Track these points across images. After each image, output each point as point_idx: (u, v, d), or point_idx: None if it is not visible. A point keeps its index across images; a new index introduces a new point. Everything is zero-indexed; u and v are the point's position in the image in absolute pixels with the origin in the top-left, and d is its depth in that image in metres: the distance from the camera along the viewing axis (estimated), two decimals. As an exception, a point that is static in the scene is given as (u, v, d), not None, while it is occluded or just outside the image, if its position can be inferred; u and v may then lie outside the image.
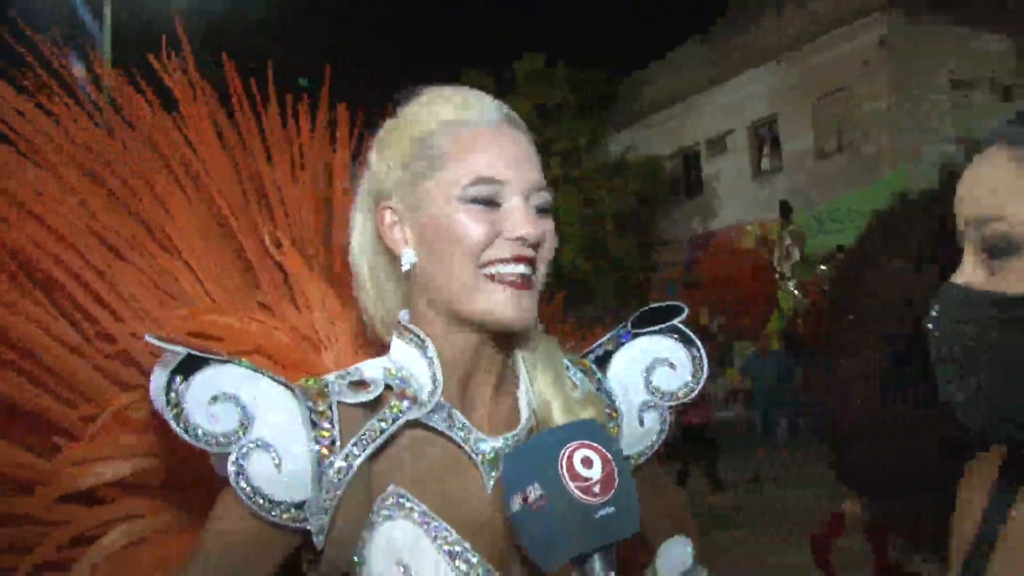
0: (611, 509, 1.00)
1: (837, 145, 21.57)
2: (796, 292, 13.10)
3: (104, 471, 1.34)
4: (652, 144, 25.23)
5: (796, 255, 13.29)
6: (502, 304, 1.17)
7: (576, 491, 1.00)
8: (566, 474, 1.00)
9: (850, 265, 3.81)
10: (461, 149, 1.19)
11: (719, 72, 23.68)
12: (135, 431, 1.36)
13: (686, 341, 1.42)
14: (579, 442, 1.04)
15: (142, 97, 1.63)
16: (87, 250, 1.44)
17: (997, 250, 0.87)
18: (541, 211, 1.21)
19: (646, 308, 1.44)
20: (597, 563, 1.01)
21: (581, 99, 24.84)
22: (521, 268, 1.18)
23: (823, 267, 12.24)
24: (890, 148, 19.81)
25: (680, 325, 1.42)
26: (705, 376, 1.41)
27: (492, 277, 1.17)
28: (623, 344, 1.42)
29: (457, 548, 1.16)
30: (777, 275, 14.20)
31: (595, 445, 1.04)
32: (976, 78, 20.96)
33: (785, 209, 15.12)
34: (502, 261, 1.17)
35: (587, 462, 1.02)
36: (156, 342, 1.08)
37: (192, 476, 1.35)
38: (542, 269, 1.22)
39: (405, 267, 1.22)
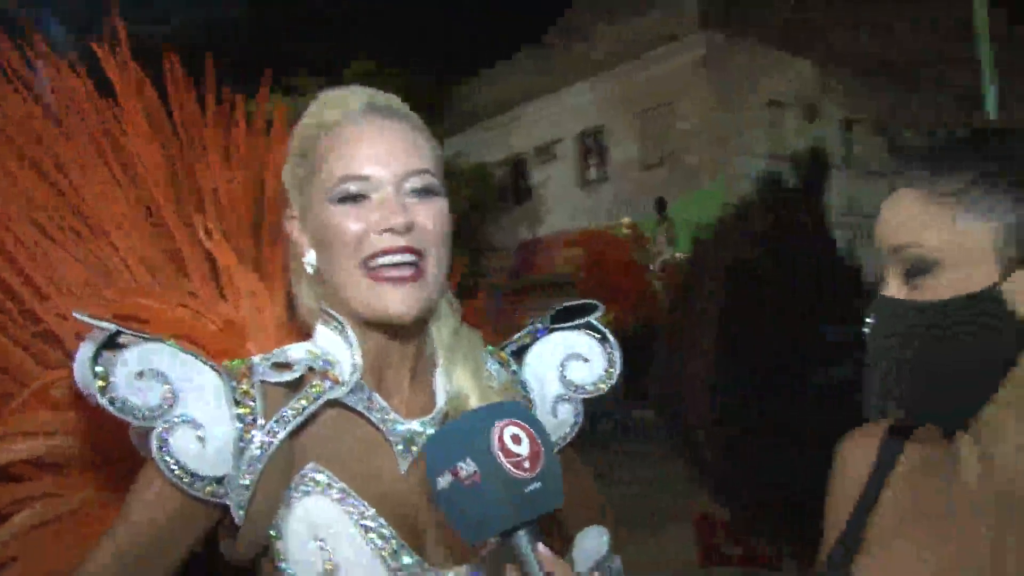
0: (539, 484, 1.04)
1: (660, 157, 22.39)
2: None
3: (20, 448, 1.34)
4: (482, 151, 25.47)
5: (668, 252, 13.63)
6: (386, 301, 1.19)
7: (509, 466, 1.02)
8: (498, 450, 1.03)
9: (690, 272, 4.00)
10: (331, 148, 1.22)
11: (549, 82, 24.15)
12: (54, 409, 1.37)
13: (601, 337, 1.46)
14: (508, 420, 1.07)
15: (80, 82, 1.61)
16: (16, 229, 1.45)
17: (914, 270, 1.00)
18: (422, 194, 1.22)
19: (563, 305, 1.48)
20: (523, 537, 1.04)
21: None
22: (399, 258, 1.19)
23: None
24: (709, 161, 20.74)
25: (595, 322, 1.47)
26: (619, 371, 1.45)
27: (376, 275, 1.19)
28: (539, 338, 1.46)
29: (372, 523, 1.19)
30: (651, 271, 14.52)
31: (522, 423, 1.07)
32: (787, 98, 22.29)
33: (661, 205, 15.53)
34: (381, 254, 1.18)
35: (516, 439, 1.05)
36: (85, 318, 1.10)
37: (111, 455, 1.37)
38: (434, 252, 1.23)
39: (309, 270, 1.27)
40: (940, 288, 0.98)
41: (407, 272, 1.19)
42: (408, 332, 1.26)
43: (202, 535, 1.17)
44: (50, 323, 1.42)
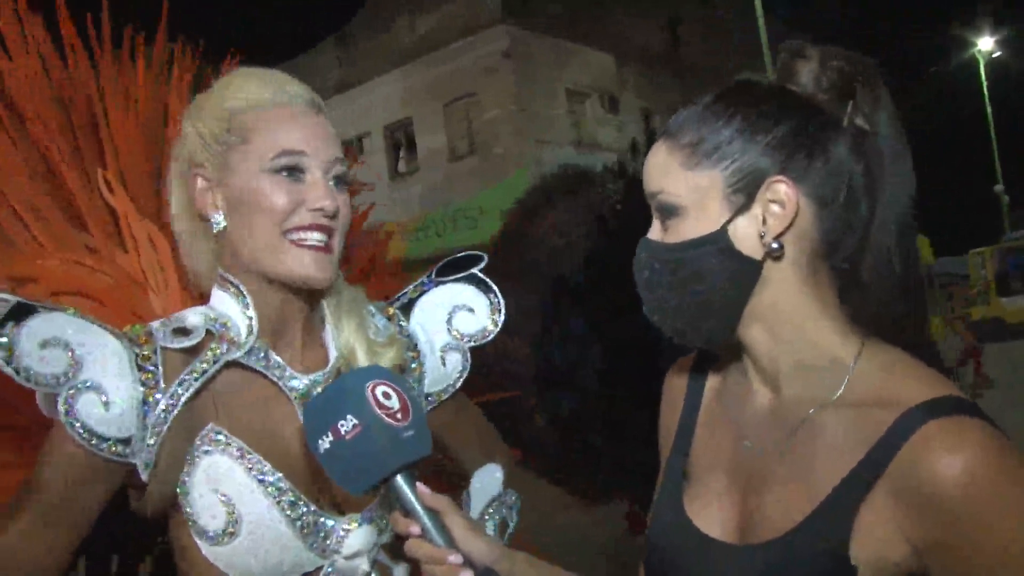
0: (412, 432, 1.14)
1: (469, 147, 22.61)
2: None
3: None
4: (289, 145, 24.90)
5: None
6: (306, 265, 1.27)
7: (385, 417, 1.12)
8: (374, 404, 1.13)
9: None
10: (267, 125, 1.28)
11: (353, 74, 23.90)
12: None
13: (484, 288, 1.55)
14: (376, 380, 1.17)
15: None
16: None
17: (665, 213, 1.11)
18: (340, 182, 1.33)
19: (448, 258, 1.57)
20: (403, 480, 1.14)
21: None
22: (318, 236, 1.28)
23: None
24: (515, 151, 21.10)
25: (479, 273, 1.56)
26: (502, 319, 1.54)
27: (295, 242, 1.27)
28: (426, 291, 1.55)
29: (270, 477, 1.27)
30: None
31: (388, 382, 1.18)
32: (587, 89, 22.98)
33: None
34: (303, 228, 1.27)
35: (386, 395, 1.15)
36: None
37: (9, 422, 1.42)
38: (339, 235, 1.32)
39: (215, 230, 1.31)
40: (684, 230, 1.09)
41: (320, 246, 1.28)
42: (307, 294, 1.34)
43: (109, 494, 1.22)
44: None
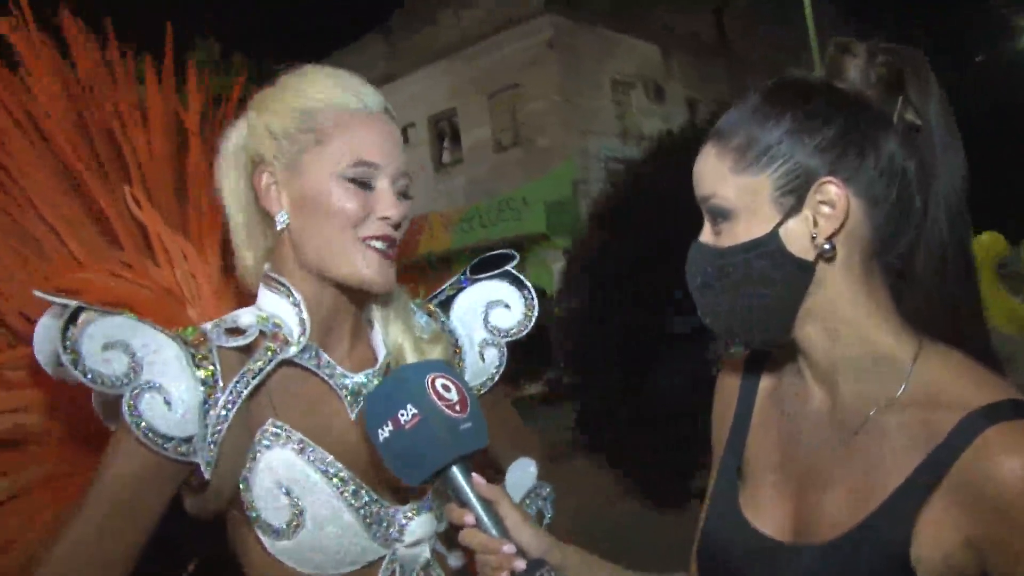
0: (470, 424, 1.17)
1: (513, 138, 22.63)
2: None
3: None
4: (334, 137, 25.06)
5: None
6: (373, 271, 1.30)
7: (444, 408, 1.15)
8: (434, 396, 1.15)
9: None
10: (345, 130, 1.30)
11: (398, 66, 23.99)
12: (10, 389, 1.43)
13: (518, 284, 1.60)
14: (436, 372, 1.19)
15: None
16: None
17: (716, 217, 1.11)
18: (403, 196, 1.35)
19: (481, 256, 1.62)
20: (458, 471, 1.16)
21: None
22: (382, 244, 1.31)
23: None
24: (561, 142, 21.07)
25: (512, 270, 1.60)
26: (536, 314, 1.59)
27: (364, 246, 1.30)
28: (464, 288, 1.59)
29: (331, 468, 1.30)
30: None
31: (447, 374, 1.20)
32: (633, 79, 22.86)
33: None
34: (372, 238, 1.30)
35: (446, 388, 1.18)
36: (46, 296, 1.18)
37: (69, 430, 1.44)
38: (398, 243, 1.36)
39: (279, 227, 1.33)
40: (736, 233, 1.09)
41: (385, 251, 1.32)
42: (360, 295, 1.37)
43: (172, 494, 1.23)
44: None
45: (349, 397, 1.35)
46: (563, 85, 21.37)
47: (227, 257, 1.54)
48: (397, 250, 1.36)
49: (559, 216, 17.36)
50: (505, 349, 1.58)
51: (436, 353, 1.43)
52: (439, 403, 1.15)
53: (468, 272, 1.60)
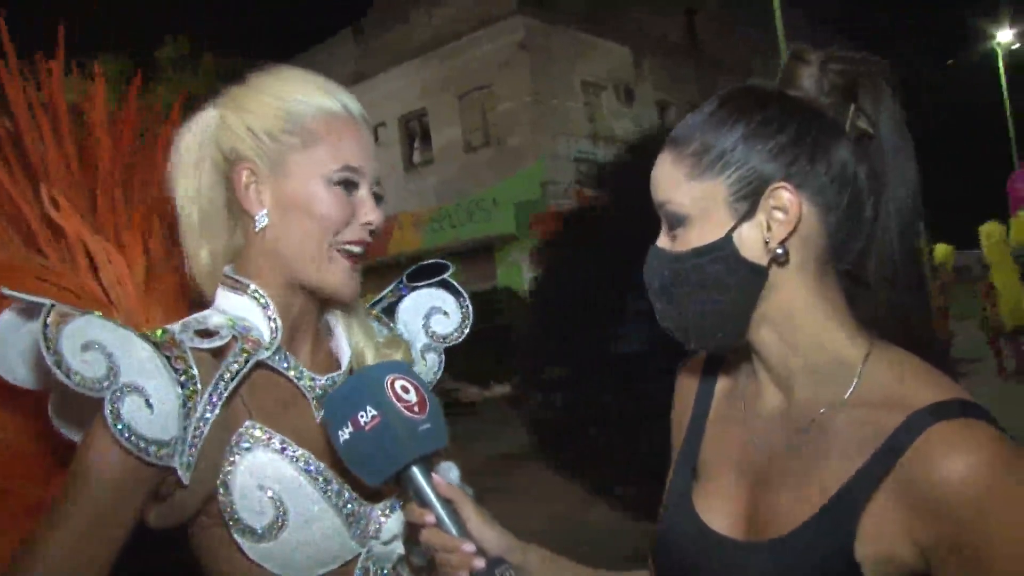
0: (429, 424, 1.19)
1: (484, 139, 22.66)
2: None
3: None
4: (304, 136, 24.96)
5: None
6: (343, 282, 1.32)
7: (403, 409, 1.17)
8: (393, 397, 1.17)
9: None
10: (333, 135, 1.31)
11: (368, 65, 23.97)
12: None
13: (454, 292, 1.65)
14: (395, 374, 1.21)
15: None
16: None
17: (672, 223, 1.12)
18: (378, 199, 1.37)
19: (416, 265, 1.67)
20: (418, 471, 1.18)
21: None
22: (359, 250, 1.33)
23: None
24: (531, 142, 21.13)
25: (449, 279, 1.66)
26: (471, 321, 1.64)
27: (339, 254, 1.31)
28: (404, 296, 1.63)
29: (313, 467, 1.29)
30: None
31: (406, 376, 1.23)
32: (604, 81, 22.97)
33: None
34: (349, 242, 1.32)
35: (405, 389, 1.20)
36: (15, 295, 1.13)
37: (10, 440, 1.37)
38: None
39: (258, 227, 1.32)
40: (691, 238, 1.10)
41: (358, 257, 1.34)
42: (322, 301, 1.39)
43: (145, 502, 1.19)
44: None
45: (315, 400, 1.35)
46: (534, 86, 21.42)
47: (151, 259, 1.53)
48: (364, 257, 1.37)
49: (527, 216, 17.41)
50: (443, 354, 1.64)
51: (397, 356, 1.45)
52: (398, 404, 1.17)
53: (405, 280, 1.65)
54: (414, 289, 1.64)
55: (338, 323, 1.46)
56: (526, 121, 21.43)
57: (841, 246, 1.10)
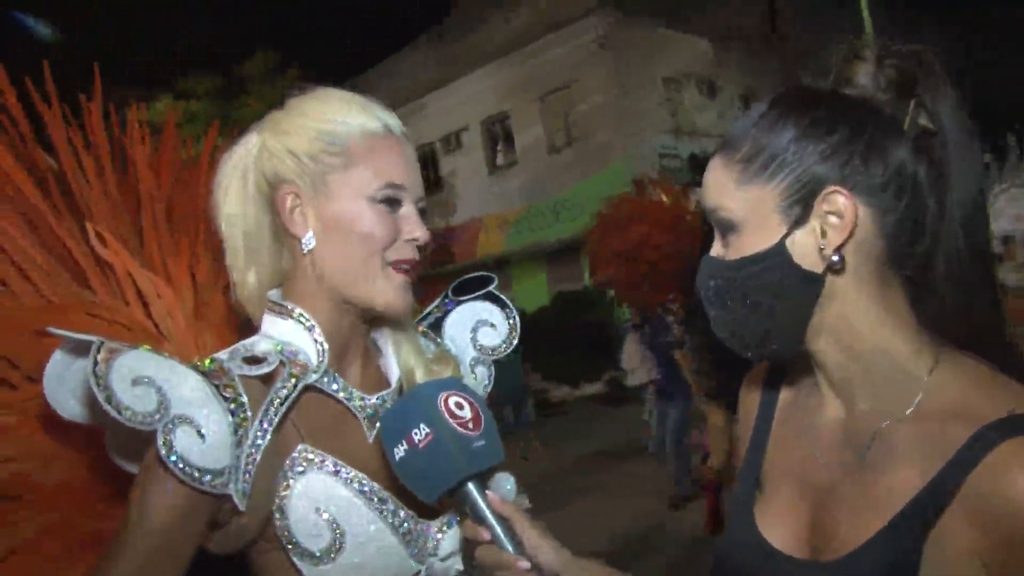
0: (483, 441, 1.20)
1: (567, 139, 22.59)
2: None
3: None
4: (388, 143, 25.20)
5: None
6: (395, 298, 1.33)
7: (457, 426, 1.18)
8: (447, 414, 1.18)
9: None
10: (372, 153, 1.32)
11: (449, 71, 24.11)
12: (3, 435, 1.37)
13: (501, 304, 1.66)
14: (450, 391, 1.23)
15: None
16: None
17: (724, 230, 1.10)
18: (423, 215, 1.38)
19: (461, 279, 1.67)
20: (473, 487, 1.19)
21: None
22: (407, 267, 1.34)
23: None
24: (614, 141, 21.00)
25: (494, 291, 1.66)
26: (518, 333, 1.65)
27: (390, 268, 1.32)
28: (450, 311, 1.64)
29: (367, 487, 1.30)
30: None
31: (462, 393, 1.24)
32: (684, 75, 22.70)
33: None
34: (397, 261, 1.32)
35: (459, 405, 1.21)
36: (63, 333, 1.14)
37: (67, 479, 1.39)
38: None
39: (305, 249, 1.32)
40: (743, 246, 1.07)
41: (409, 274, 1.35)
42: (370, 320, 1.40)
43: (204, 531, 1.21)
44: None
45: (367, 420, 1.36)
46: (614, 84, 21.29)
47: (197, 288, 1.55)
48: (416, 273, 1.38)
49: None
50: (492, 367, 1.64)
51: (446, 372, 1.45)
52: (452, 421, 1.17)
53: (451, 294, 1.65)
54: (460, 303, 1.64)
55: (387, 341, 1.46)
56: (608, 120, 21.31)
57: (902, 249, 1.06)
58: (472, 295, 1.65)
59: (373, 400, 1.37)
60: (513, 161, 23.90)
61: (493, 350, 1.63)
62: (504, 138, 24.28)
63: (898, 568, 0.99)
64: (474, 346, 1.62)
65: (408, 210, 1.34)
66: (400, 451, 1.18)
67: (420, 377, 1.42)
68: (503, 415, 12.88)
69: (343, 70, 26.30)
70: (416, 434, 1.17)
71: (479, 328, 1.63)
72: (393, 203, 1.32)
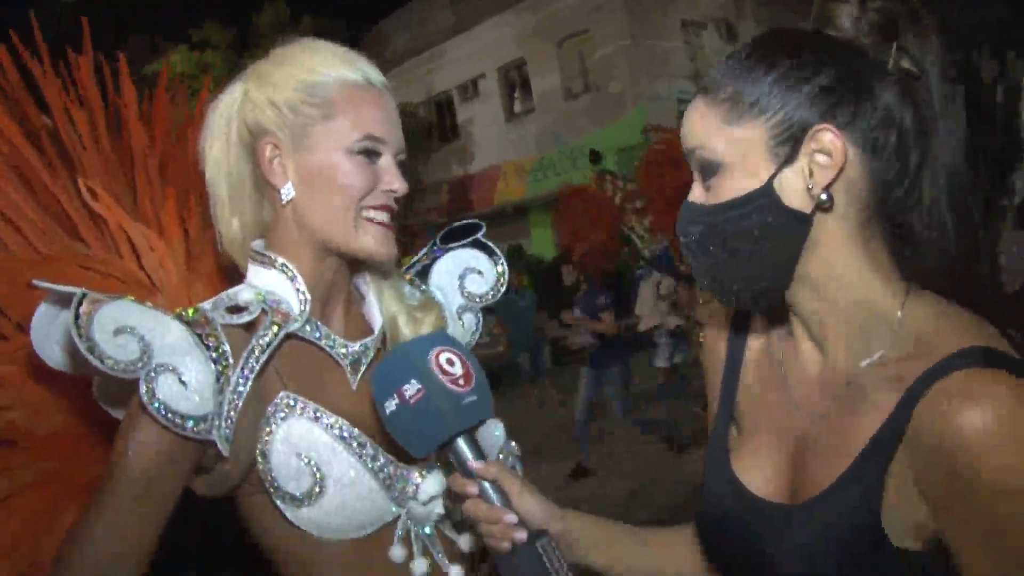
0: (474, 397, 1.21)
1: (584, 85, 22.41)
2: None
3: None
4: (403, 93, 25.06)
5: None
6: (378, 243, 1.34)
7: (448, 383, 1.19)
8: (437, 370, 1.19)
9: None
10: (353, 105, 1.33)
11: (465, 18, 23.88)
12: (1, 386, 1.41)
13: (488, 252, 1.67)
14: (441, 346, 1.23)
15: None
16: None
17: (706, 172, 1.08)
18: (402, 166, 1.39)
19: (449, 227, 1.69)
20: (463, 443, 1.21)
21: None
22: (386, 216, 1.35)
23: None
24: (631, 87, 20.80)
25: (482, 238, 1.66)
26: (506, 280, 1.66)
27: (368, 220, 1.33)
28: (438, 258, 1.65)
29: (347, 433, 1.32)
30: None
31: (452, 348, 1.24)
32: (703, 19, 22.37)
33: (594, 158, 15.57)
34: (375, 208, 1.34)
35: (450, 362, 1.21)
36: (46, 284, 1.16)
37: (63, 426, 1.43)
38: (397, 213, 1.39)
39: (284, 200, 1.34)
40: (727, 189, 1.05)
41: (388, 223, 1.36)
42: (356, 266, 1.43)
43: (187, 476, 1.23)
44: None
45: (350, 366, 1.38)
46: (632, 29, 21.03)
47: (189, 241, 1.57)
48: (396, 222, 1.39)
49: (631, 162, 17.25)
50: (480, 314, 1.66)
51: (429, 320, 1.47)
52: (442, 378, 1.18)
53: (439, 242, 1.66)
54: (448, 251, 1.65)
55: (369, 288, 1.47)
56: (625, 65, 21.08)
57: (887, 194, 1.04)
58: (459, 243, 1.66)
59: (356, 347, 1.39)
60: (530, 108, 23.73)
61: (480, 297, 1.65)
62: (521, 85, 24.08)
63: (863, 505, 0.99)
64: (462, 293, 1.64)
65: (387, 161, 1.35)
66: (391, 405, 1.19)
67: (403, 324, 1.45)
68: (519, 363, 12.98)
69: (358, 19, 26.09)
70: (407, 389, 1.17)
71: (466, 275, 1.65)
72: (372, 155, 1.33)
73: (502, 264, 1.67)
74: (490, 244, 1.67)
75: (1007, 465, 0.89)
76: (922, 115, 1.04)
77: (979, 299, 1.06)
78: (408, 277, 1.60)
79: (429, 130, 25.44)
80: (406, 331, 1.44)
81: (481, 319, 1.67)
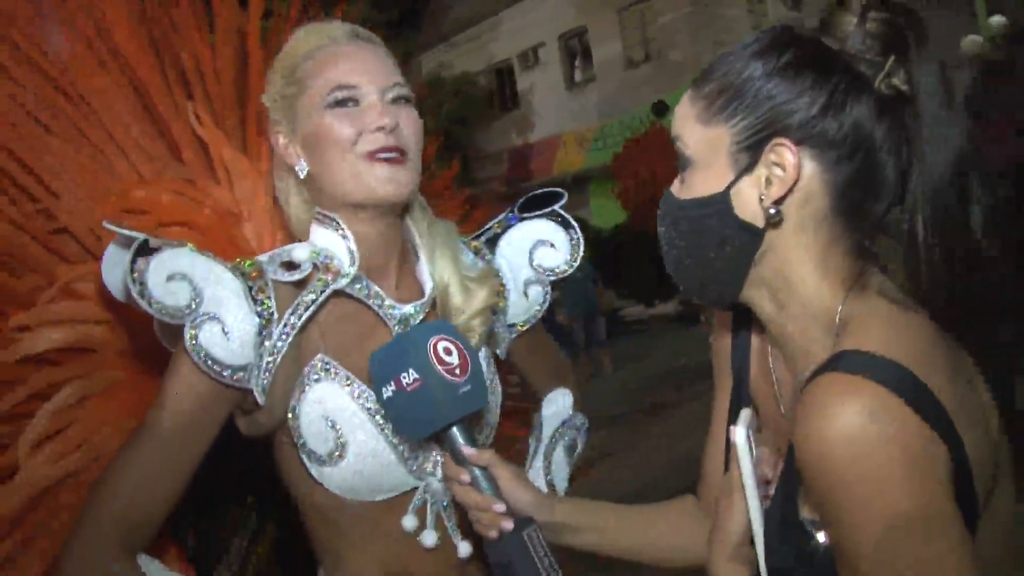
0: (469, 387, 1.24)
1: (645, 54, 22.16)
2: None
3: (55, 336, 1.45)
4: (462, 62, 25.01)
5: None
6: (382, 180, 1.34)
7: (444, 373, 1.22)
8: (435, 360, 1.22)
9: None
10: (319, 66, 1.37)
11: (526, -14, 23.74)
12: (80, 300, 1.49)
13: (565, 225, 1.63)
14: (439, 336, 1.26)
15: None
16: (20, 126, 1.51)
17: (682, 163, 1.09)
18: (401, 101, 1.39)
19: (530, 194, 1.65)
20: (457, 432, 1.25)
21: (388, 18, 24.34)
22: (388, 155, 1.34)
23: None
24: (692, 54, 20.49)
25: (560, 210, 1.63)
26: (581, 255, 1.63)
27: (372, 162, 1.34)
28: (511, 226, 1.64)
29: (373, 406, 1.35)
30: None
31: (451, 338, 1.27)
32: (768, -15, 21.93)
33: (660, 110, 15.40)
34: (375, 151, 1.34)
35: (447, 351, 1.25)
36: (115, 228, 1.24)
37: (134, 341, 1.51)
38: (412, 150, 1.39)
39: (300, 176, 1.40)
40: (695, 186, 1.06)
41: (393, 157, 1.34)
42: (391, 225, 1.42)
43: (226, 417, 1.32)
44: (63, 220, 1.52)
45: (398, 328, 1.39)
46: (694, -4, 20.73)
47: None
48: (413, 155, 1.38)
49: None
50: (549, 288, 1.63)
51: (482, 293, 1.45)
52: (439, 368, 1.22)
53: (516, 210, 1.64)
54: (523, 220, 1.63)
55: (423, 251, 1.48)
56: (687, 33, 20.78)
57: (852, 208, 1.01)
58: (535, 213, 1.63)
59: (406, 309, 1.40)
60: (591, 77, 23.55)
61: (550, 271, 1.62)
62: (582, 53, 23.89)
63: (787, 511, 1.02)
64: (531, 265, 1.61)
65: (369, 102, 1.35)
66: (388, 391, 1.23)
67: (455, 293, 1.44)
68: (573, 332, 12.99)
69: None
70: (404, 378, 1.21)
71: (537, 248, 1.62)
72: (349, 102, 1.35)
73: (578, 237, 1.63)
74: (567, 217, 1.63)
75: (850, 472, 0.88)
76: (905, 131, 1.00)
77: (959, 316, 1.01)
78: (475, 245, 1.59)
79: (490, 99, 25.42)
80: (457, 300, 1.44)
81: (548, 293, 1.64)
